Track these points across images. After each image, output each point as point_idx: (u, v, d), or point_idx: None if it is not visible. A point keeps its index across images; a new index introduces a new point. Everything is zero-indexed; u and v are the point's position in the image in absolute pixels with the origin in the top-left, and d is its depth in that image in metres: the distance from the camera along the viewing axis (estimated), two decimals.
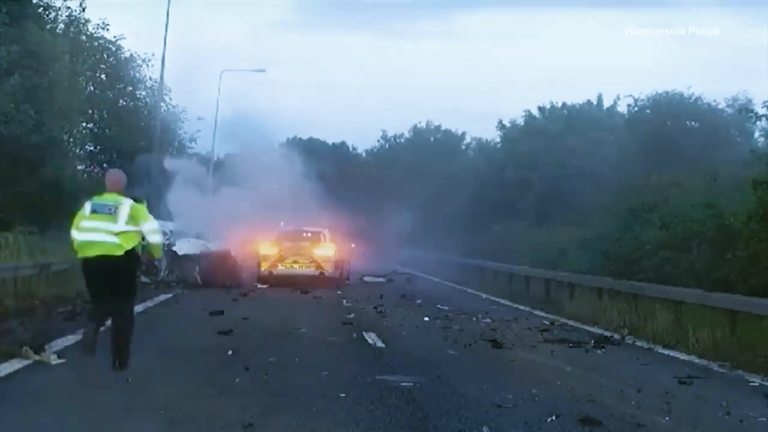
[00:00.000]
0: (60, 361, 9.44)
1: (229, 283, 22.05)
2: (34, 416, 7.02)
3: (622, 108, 41.63)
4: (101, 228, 8.96)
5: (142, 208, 9.24)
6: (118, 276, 9.04)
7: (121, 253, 8.95)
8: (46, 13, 26.20)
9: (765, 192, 14.94)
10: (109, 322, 9.18)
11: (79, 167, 29.26)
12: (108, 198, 9.17)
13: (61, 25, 27.98)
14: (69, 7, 28.19)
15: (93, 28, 30.89)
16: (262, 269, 23.87)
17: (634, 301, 16.24)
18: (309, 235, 25.04)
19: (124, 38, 32.25)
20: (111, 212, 8.99)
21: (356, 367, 10.02)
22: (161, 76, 31.21)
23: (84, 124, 29.38)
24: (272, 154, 28.73)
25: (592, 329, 15.20)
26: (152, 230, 9.22)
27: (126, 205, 9.08)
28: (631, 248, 19.75)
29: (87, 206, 9.17)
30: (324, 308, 17.76)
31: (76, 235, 9.14)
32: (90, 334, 9.04)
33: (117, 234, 8.94)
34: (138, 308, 15.56)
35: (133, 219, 9.02)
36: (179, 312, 15.46)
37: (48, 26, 25.31)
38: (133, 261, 9.23)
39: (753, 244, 14.92)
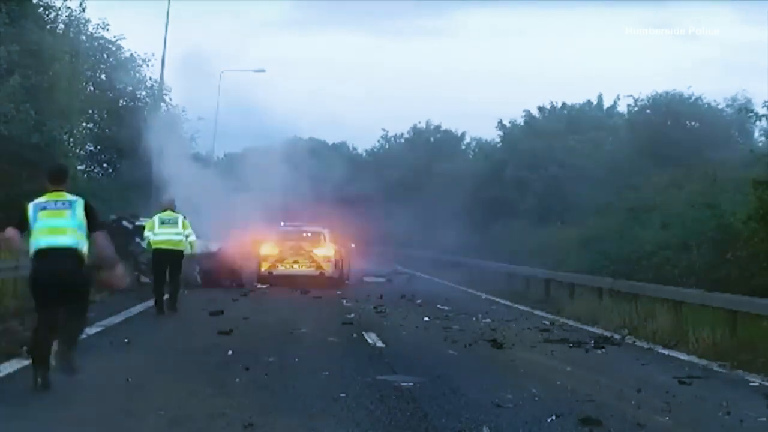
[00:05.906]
0: None
1: (229, 283, 22.05)
2: (34, 416, 7.02)
3: (622, 108, 41.49)
4: (171, 232, 15.58)
5: (188, 222, 15.86)
6: (177, 262, 15.56)
7: (184, 245, 15.65)
8: (46, 13, 26.09)
9: (765, 192, 14.93)
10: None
11: (79, 167, 29.11)
12: (170, 214, 15.80)
13: (61, 25, 27.83)
14: (69, 7, 28.01)
15: (93, 28, 30.76)
16: (262, 269, 23.84)
17: (634, 301, 16.22)
18: (309, 235, 24.99)
19: (124, 38, 32.13)
20: (175, 223, 15.65)
21: (356, 367, 10.03)
22: (161, 76, 31.09)
23: (84, 124, 29.27)
24: (272, 154, 28.67)
25: (592, 329, 15.20)
26: (192, 236, 15.89)
27: (181, 218, 15.80)
28: (631, 248, 19.74)
29: (156, 220, 15.76)
30: (324, 308, 17.75)
31: (152, 236, 15.57)
32: (160, 304, 15.12)
33: (180, 234, 15.60)
34: (138, 308, 15.79)
35: (183, 228, 15.68)
36: (179, 312, 15.45)
37: (48, 26, 25.21)
38: (183, 254, 15.77)
39: (753, 244, 14.91)
